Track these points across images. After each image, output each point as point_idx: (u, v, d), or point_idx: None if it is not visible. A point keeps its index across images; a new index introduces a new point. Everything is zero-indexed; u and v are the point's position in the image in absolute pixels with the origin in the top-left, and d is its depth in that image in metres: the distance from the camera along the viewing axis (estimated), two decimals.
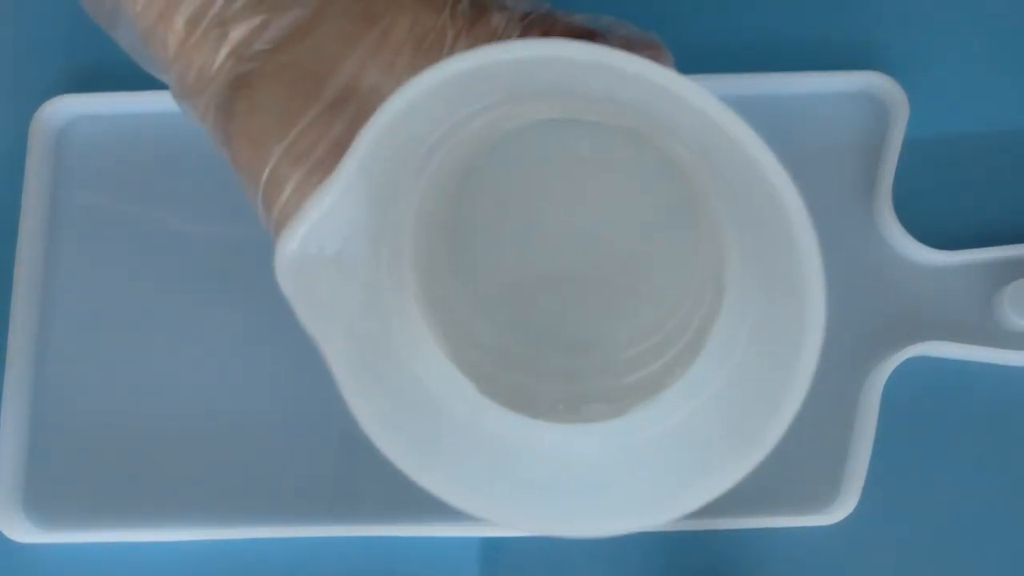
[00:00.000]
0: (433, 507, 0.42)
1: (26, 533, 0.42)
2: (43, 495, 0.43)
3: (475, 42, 0.28)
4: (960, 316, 0.43)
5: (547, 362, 0.34)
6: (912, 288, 0.43)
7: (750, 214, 0.28)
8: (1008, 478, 0.42)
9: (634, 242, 0.35)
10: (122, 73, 0.46)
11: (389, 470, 0.43)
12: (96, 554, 0.42)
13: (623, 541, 0.42)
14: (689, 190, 0.32)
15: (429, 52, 0.28)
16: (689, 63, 0.46)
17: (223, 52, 0.28)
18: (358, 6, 0.28)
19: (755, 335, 0.30)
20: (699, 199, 0.32)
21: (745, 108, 0.45)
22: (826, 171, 0.45)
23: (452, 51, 0.28)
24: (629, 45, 0.30)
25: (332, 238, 0.27)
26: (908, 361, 0.42)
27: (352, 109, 0.27)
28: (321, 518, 0.42)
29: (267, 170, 0.28)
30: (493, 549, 0.42)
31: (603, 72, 0.25)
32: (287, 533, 0.42)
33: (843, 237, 0.44)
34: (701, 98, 0.25)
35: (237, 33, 0.28)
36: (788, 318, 0.27)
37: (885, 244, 0.44)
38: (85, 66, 0.47)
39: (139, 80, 0.46)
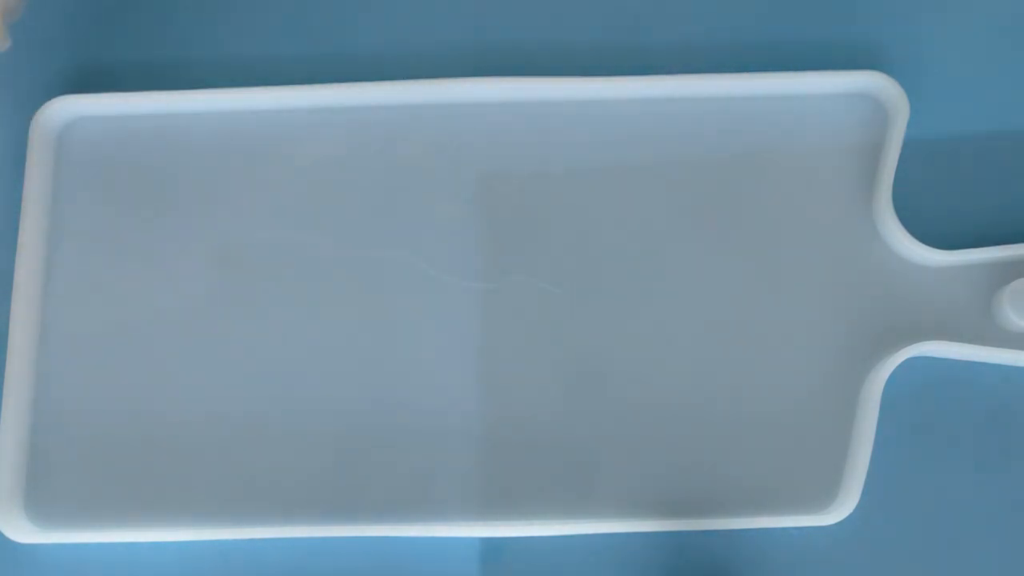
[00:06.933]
0: (433, 507, 0.43)
1: (26, 533, 0.42)
2: (43, 495, 0.43)
3: None
4: (960, 316, 0.43)
5: None
6: (912, 288, 0.43)
7: None
8: (1008, 478, 0.42)
9: None
10: (122, 74, 0.47)
11: (389, 470, 0.43)
12: (96, 554, 0.42)
13: (623, 541, 0.42)
14: None
15: None
16: (690, 63, 0.46)
17: None
18: None
19: None
20: None
21: (745, 108, 0.46)
22: (826, 171, 0.45)
23: None
24: None
25: None
26: (908, 361, 0.42)
27: None
28: (321, 518, 0.42)
29: None
30: (493, 549, 0.42)
31: None
32: (287, 533, 0.42)
33: (843, 237, 0.44)
34: None
35: None
36: None
37: (885, 244, 0.44)
38: (85, 66, 0.47)
39: (139, 81, 0.47)
